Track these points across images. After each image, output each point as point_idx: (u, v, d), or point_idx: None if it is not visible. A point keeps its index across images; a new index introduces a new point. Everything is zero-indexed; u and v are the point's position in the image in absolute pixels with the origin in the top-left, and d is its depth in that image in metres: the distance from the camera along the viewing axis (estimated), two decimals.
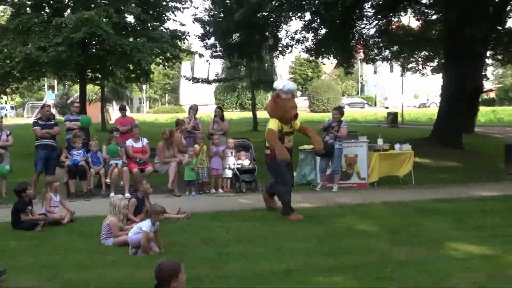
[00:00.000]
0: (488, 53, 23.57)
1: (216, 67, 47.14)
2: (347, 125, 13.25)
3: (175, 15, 23.68)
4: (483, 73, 23.38)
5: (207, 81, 32.86)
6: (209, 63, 26.37)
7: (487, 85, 40.23)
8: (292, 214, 9.78)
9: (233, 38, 21.98)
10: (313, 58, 24.09)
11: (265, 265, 6.88)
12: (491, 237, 8.22)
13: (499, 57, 24.44)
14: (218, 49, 23.49)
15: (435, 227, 8.92)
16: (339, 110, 13.50)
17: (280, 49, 23.65)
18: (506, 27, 20.22)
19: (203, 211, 10.60)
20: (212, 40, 22.78)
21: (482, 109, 39.06)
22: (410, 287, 6.07)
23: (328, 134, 12.97)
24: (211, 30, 21.99)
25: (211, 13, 22.31)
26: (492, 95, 60.45)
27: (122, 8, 19.70)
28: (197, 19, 22.34)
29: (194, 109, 14.40)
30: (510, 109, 47.19)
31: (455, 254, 7.35)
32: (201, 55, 22.93)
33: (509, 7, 19.39)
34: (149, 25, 20.61)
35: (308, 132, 10.27)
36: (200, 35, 22.57)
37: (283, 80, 10.38)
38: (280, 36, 22.65)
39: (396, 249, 7.61)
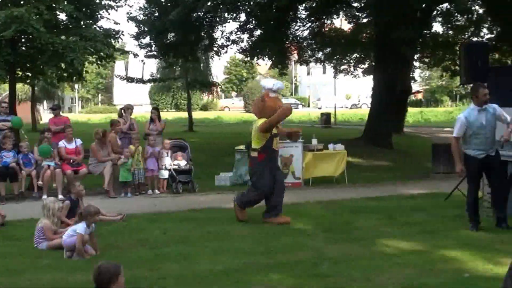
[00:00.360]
0: (415, 56, 24.36)
1: (151, 66, 46.64)
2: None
3: (109, 14, 23.26)
4: (411, 75, 24.17)
5: (141, 81, 32.46)
6: (144, 63, 26.04)
7: (415, 87, 41.56)
8: (244, 211, 9.54)
9: (169, 37, 21.83)
10: (248, 58, 24.24)
11: (203, 266, 6.89)
12: (420, 233, 8.52)
13: (426, 60, 25.32)
14: (153, 48, 23.28)
15: (368, 225, 9.17)
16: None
17: (215, 49, 23.68)
18: (431, 31, 20.99)
19: (139, 212, 10.49)
20: (147, 40, 22.56)
21: (410, 110, 40.33)
22: (344, 283, 6.22)
23: None
24: (146, 29, 21.77)
25: (146, 12, 22.08)
26: (420, 96, 62.44)
27: (53, 5, 19.19)
28: (131, 18, 22.06)
29: (130, 109, 14.24)
30: (436, 110, 48.88)
31: (387, 250, 7.58)
32: (135, 55, 22.64)
33: (434, 12, 20.13)
34: (82, 23, 20.16)
35: (284, 131, 10.16)
36: (134, 34, 22.30)
37: (269, 79, 10.01)
38: (215, 36, 22.69)
39: (331, 246, 7.78)
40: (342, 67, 28.06)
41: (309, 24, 23.84)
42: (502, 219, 8.75)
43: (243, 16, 21.11)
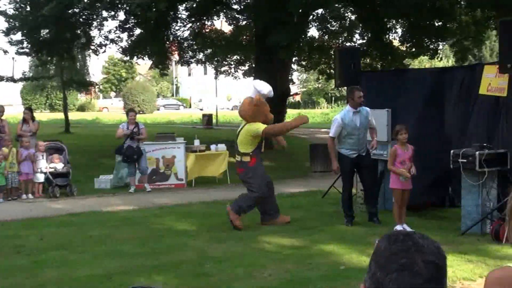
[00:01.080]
0: (293, 59, 25.12)
1: (23, 64, 44.47)
2: (143, 125, 13.45)
3: None
4: (289, 77, 24.82)
5: (12, 79, 30.84)
6: (15, 60, 24.83)
7: (293, 89, 42.78)
8: (239, 217, 9.08)
9: (42, 34, 20.91)
10: (128, 58, 23.83)
11: (84, 271, 6.75)
12: (299, 229, 8.88)
13: (303, 63, 26.16)
14: (25, 45, 22.18)
15: (250, 223, 9.38)
16: (135, 112, 13.78)
17: (93, 48, 23.03)
18: (308, 35, 21.77)
19: (14, 219, 10.05)
20: (18, 36, 21.46)
21: (289, 111, 41.43)
22: (228, 281, 6.36)
23: (129, 139, 12.89)
24: (17, 24, 20.69)
25: (17, 6, 20.98)
26: (298, 98, 64.35)
27: None
28: (0, 12, 20.90)
29: (0, 110, 13.54)
30: (314, 111, 50.56)
31: (268, 247, 7.83)
32: (5, 52, 21.50)
33: (310, 17, 20.89)
34: None
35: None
36: (4, 29, 21.15)
37: (261, 83, 9.41)
38: (93, 34, 22.07)
39: (214, 246, 7.90)
40: (223, 68, 28.31)
41: (190, 24, 23.87)
42: (374, 214, 9.33)
43: (122, 15, 20.74)
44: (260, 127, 8.95)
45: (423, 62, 43.27)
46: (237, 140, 9.20)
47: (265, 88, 9.25)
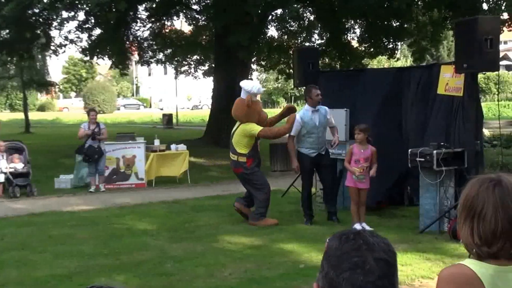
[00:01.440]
0: (253, 59, 25.14)
1: None
2: (104, 125, 13.30)
3: None
4: (249, 77, 24.83)
5: None
6: None
7: None
8: (266, 219, 9.17)
9: (2, 34, 20.44)
10: (88, 58, 23.48)
11: (44, 271, 6.62)
12: (259, 228, 8.87)
13: (263, 63, 26.21)
14: None
15: (211, 223, 9.37)
16: (96, 111, 13.65)
17: (53, 48, 22.62)
18: (267, 35, 21.82)
19: None
20: None
21: None
22: (189, 280, 6.32)
23: (90, 139, 12.73)
24: None
25: None
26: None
27: None
28: None
29: None
30: (273, 111, 50.60)
31: (229, 247, 7.82)
32: None
33: (270, 17, 20.94)
34: None
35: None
36: None
37: (248, 82, 9.31)
38: (52, 35, 21.68)
39: (175, 245, 7.85)
40: (183, 68, 28.14)
41: (150, 25, 23.65)
42: (333, 213, 9.38)
43: (82, 15, 20.42)
44: (255, 128, 8.97)
45: (381, 61, 43.90)
46: (232, 140, 9.19)
47: (253, 86, 9.18)
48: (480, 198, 1.88)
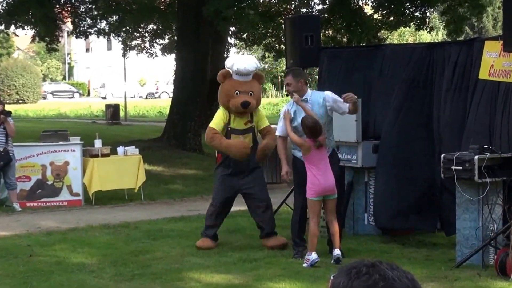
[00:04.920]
0: (230, 30, 25.06)
1: None
2: (11, 117, 13.21)
3: None
4: (225, 55, 24.82)
5: None
6: None
7: None
8: (205, 239, 9.68)
9: None
10: (3, 28, 23.33)
11: None
12: (239, 261, 8.87)
13: (244, 36, 26.19)
14: None
15: (172, 254, 9.36)
16: (3, 103, 13.51)
17: None
18: None
19: None
20: None
21: None
22: None
23: None
24: None
25: None
26: None
27: None
28: None
29: None
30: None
31: (197, 287, 7.81)
32: None
33: None
34: None
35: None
36: None
37: (241, 56, 9.75)
38: None
39: (123, 285, 7.84)
40: (134, 42, 28.08)
41: None
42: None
43: None
44: (213, 121, 9.75)
45: (404, 35, 44.17)
46: None
47: (235, 63, 9.58)
48: None
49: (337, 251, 8.61)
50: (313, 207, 8.69)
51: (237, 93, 9.46)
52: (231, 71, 9.52)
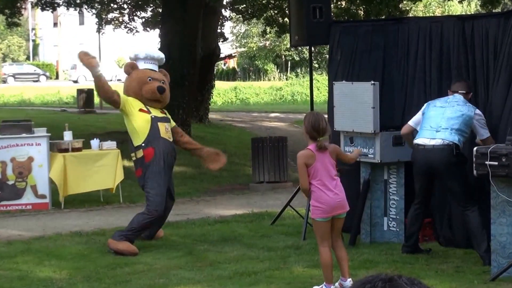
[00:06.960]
0: (225, 1, 25.01)
1: None
2: None
3: None
4: (219, 30, 24.81)
5: None
6: None
7: (225, 49, 42.74)
8: (129, 244, 9.97)
9: None
10: None
11: None
12: (236, 275, 8.89)
13: (241, 7, 26.14)
14: None
15: (157, 266, 9.37)
16: None
17: None
18: None
19: None
20: None
21: (220, 85, 41.47)
22: None
23: None
24: None
25: None
26: (233, 64, 64.20)
27: None
28: None
29: None
30: (258, 85, 50.34)
31: None
32: None
33: None
34: None
35: (191, 145, 11.19)
36: None
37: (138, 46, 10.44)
38: None
39: None
40: (111, 15, 28.06)
41: None
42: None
43: None
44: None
45: (430, 6, 44.15)
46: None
47: (136, 52, 10.50)
48: None
49: (348, 282, 8.27)
50: (320, 229, 8.26)
51: (150, 80, 10.21)
52: (138, 58, 10.37)
